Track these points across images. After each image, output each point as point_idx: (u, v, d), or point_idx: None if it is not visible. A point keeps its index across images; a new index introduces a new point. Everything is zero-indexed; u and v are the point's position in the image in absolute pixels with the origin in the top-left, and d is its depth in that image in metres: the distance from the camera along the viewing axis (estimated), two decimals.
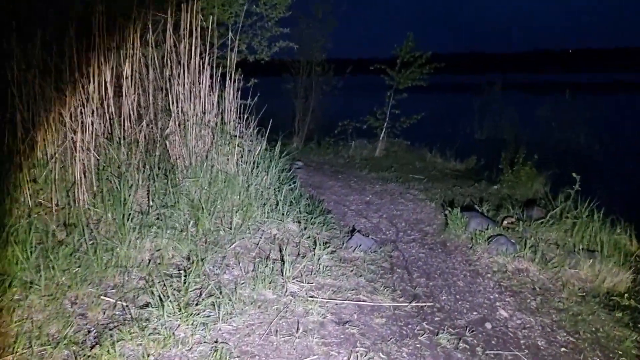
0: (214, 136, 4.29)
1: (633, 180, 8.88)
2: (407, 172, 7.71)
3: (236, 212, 3.99)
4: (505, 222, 4.59)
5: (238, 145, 4.37)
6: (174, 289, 2.96)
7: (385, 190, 6.42)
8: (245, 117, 4.88)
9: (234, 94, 4.56)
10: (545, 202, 5.21)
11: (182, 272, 3.14)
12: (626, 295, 3.55)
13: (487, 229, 4.26)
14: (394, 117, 8.90)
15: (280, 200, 4.39)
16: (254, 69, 7.37)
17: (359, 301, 3.24)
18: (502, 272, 3.88)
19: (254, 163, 4.54)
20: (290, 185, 5.01)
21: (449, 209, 4.73)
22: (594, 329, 3.27)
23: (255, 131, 4.91)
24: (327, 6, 8.97)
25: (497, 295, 3.61)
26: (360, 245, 4.06)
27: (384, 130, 8.87)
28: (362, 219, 5.20)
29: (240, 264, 3.43)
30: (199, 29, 4.29)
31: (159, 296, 2.80)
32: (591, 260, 3.71)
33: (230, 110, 4.51)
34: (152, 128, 4.23)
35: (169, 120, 4.24)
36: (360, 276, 3.60)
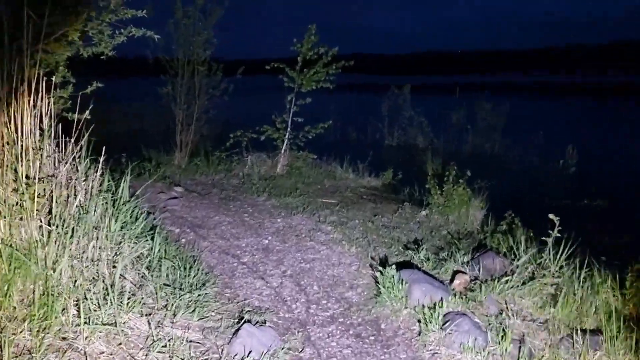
0: None
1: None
2: (315, 194, 6.28)
3: (26, 320, 2.25)
4: (457, 282, 3.30)
5: (43, 195, 2.61)
6: None
7: (289, 226, 4.92)
8: (74, 137, 3.15)
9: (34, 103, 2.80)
10: (497, 242, 4.04)
11: None
12: None
13: (440, 304, 2.90)
14: (297, 125, 7.44)
15: (120, 276, 2.70)
16: (113, 68, 5.56)
17: None
18: None
19: (77, 218, 2.80)
20: (145, 241, 3.32)
21: (380, 269, 3.33)
22: None
23: (86, 161, 3.19)
24: None
25: None
26: (249, 353, 2.50)
27: (285, 141, 7.37)
28: (257, 282, 3.65)
29: None
30: None
31: None
32: (597, 354, 2.49)
33: (29, 130, 2.73)
34: None
35: None
36: None
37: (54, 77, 3.45)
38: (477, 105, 11.88)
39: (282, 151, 7.40)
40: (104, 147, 3.25)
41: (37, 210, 2.49)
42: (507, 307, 3.01)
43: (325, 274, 3.81)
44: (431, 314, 2.82)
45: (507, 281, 3.18)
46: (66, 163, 2.87)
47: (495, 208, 5.43)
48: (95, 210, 2.83)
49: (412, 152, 11.00)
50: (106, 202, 3.04)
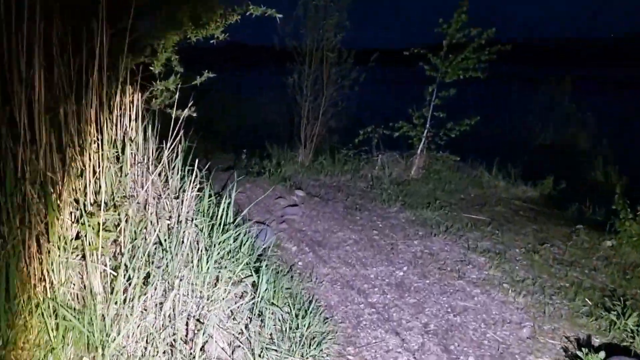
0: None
1: None
2: (459, 207, 5.16)
3: None
4: None
5: (115, 225, 1.95)
6: None
7: (429, 252, 3.92)
8: (171, 140, 2.53)
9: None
10: None
11: None
12: None
13: None
14: (437, 121, 6.33)
15: (206, 339, 1.96)
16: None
17: None
18: None
19: (155, 258, 2.11)
20: (248, 276, 2.57)
21: (579, 353, 2.19)
22: None
23: (181, 172, 2.52)
24: None
25: None
26: None
27: (423, 140, 6.32)
28: (389, 338, 2.73)
29: None
30: None
31: None
32: None
33: (103, 134, 2.09)
34: None
35: None
36: None
37: (153, 66, 2.86)
38: None
39: (419, 151, 6.35)
40: (204, 152, 2.58)
41: (101, 247, 1.83)
42: None
43: (485, 338, 2.76)
44: None
45: None
46: (151, 178, 2.18)
47: None
48: (182, 244, 2.12)
49: (572, 154, 9.17)
50: (201, 230, 2.33)
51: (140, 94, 3.05)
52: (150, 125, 2.54)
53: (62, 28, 2.08)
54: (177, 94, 3.30)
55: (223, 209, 2.59)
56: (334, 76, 6.68)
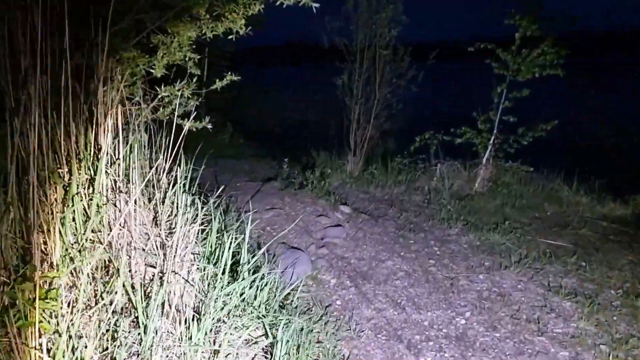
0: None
1: None
2: (534, 229, 4.36)
3: None
4: None
5: (71, 287, 1.43)
6: None
7: (498, 292, 3.19)
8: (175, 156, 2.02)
9: None
10: None
11: None
12: None
13: None
14: (506, 126, 5.51)
15: None
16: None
17: None
18: None
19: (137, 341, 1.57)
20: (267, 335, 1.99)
21: None
22: None
23: (186, 202, 1.99)
24: None
25: None
26: None
27: (489, 148, 5.51)
28: None
29: None
30: None
31: None
32: None
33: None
34: None
35: None
36: None
37: (155, 69, 2.35)
38: None
39: (484, 160, 5.55)
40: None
41: (38, 323, 1.30)
42: None
43: None
44: None
45: None
46: (124, 212, 1.65)
47: None
48: (164, 311, 1.56)
49: None
50: (202, 278, 1.77)
51: (146, 104, 2.56)
52: (140, 139, 2.01)
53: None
54: (194, 101, 2.79)
55: (233, 246, 2.02)
56: (388, 75, 6.00)
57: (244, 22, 2.57)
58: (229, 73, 2.88)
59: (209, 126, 2.60)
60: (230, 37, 2.58)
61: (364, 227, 4.27)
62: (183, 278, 1.69)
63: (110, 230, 1.67)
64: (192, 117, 2.47)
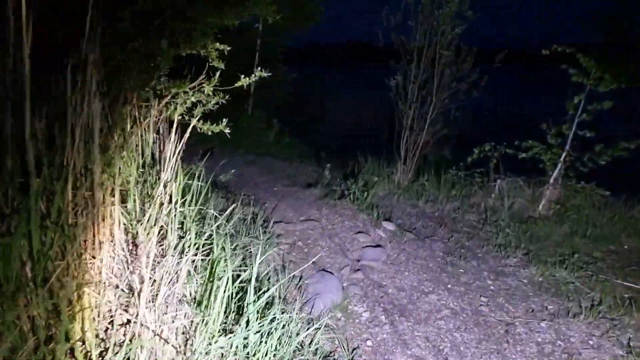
0: None
1: None
2: (609, 265, 3.72)
3: None
4: None
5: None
6: None
7: (564, 347, 2.64)
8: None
9: None
10: None
11: None
12: None
13: None
14: (581, 142, 4.83)
15: None
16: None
17: None
18: None
19: None
20: None
21: None
22: None
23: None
24: None
25: None
26: None
27: (559, 165, 4.85)
28: None
29: None
30: None
31: None
32: None
33: None
34: None
35: None
36: None
37: (160, 58, 2.00)
38: None
39: (552, 179, 4.89)
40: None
41: None
42: None
43: None
44: None
45: None
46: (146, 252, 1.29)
47: None
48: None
49: None
50: (195, 332, 1.39)
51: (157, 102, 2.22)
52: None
53: None
54: (216, 99, 2.43)
55: (233, 286, 1.62)
56: (448, 78, 5.44)
57: (274, 8, 2.18)
58: (259, 68, 2.49)
59: (227, 130, 2.22)
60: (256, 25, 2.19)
61: (408, 248, 3.79)
62: (157, 334, 1.31)
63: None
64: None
